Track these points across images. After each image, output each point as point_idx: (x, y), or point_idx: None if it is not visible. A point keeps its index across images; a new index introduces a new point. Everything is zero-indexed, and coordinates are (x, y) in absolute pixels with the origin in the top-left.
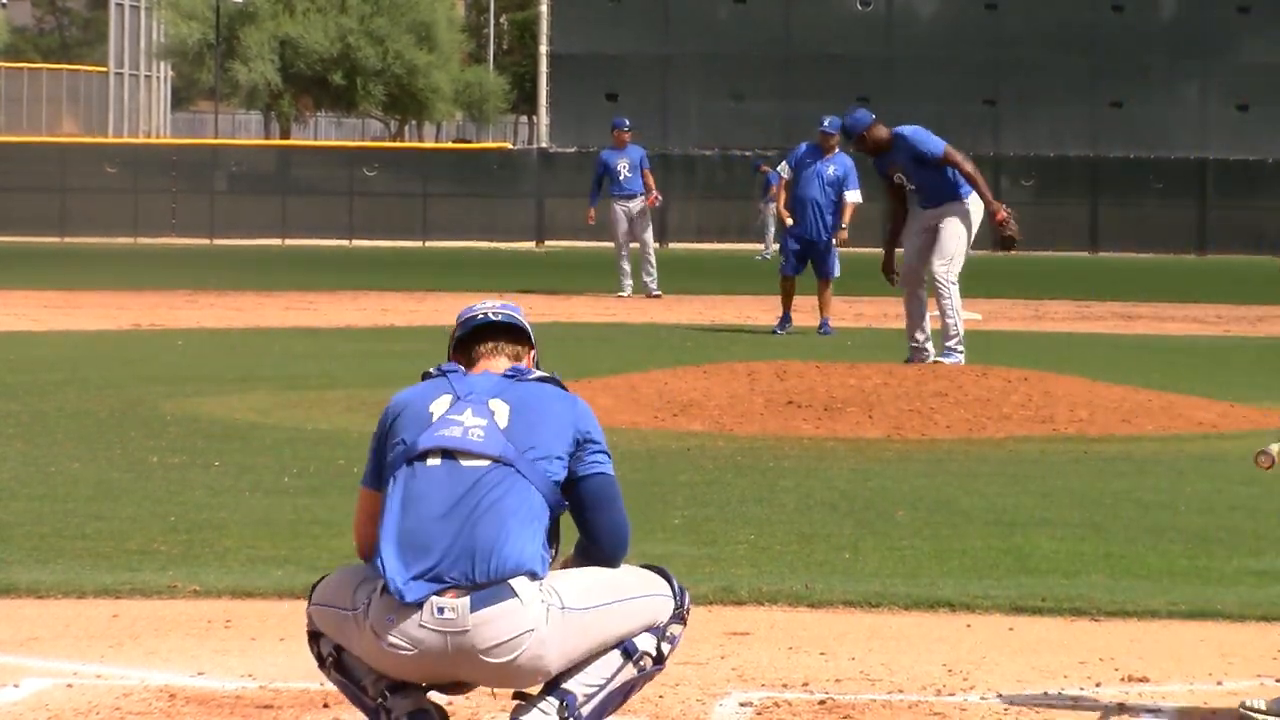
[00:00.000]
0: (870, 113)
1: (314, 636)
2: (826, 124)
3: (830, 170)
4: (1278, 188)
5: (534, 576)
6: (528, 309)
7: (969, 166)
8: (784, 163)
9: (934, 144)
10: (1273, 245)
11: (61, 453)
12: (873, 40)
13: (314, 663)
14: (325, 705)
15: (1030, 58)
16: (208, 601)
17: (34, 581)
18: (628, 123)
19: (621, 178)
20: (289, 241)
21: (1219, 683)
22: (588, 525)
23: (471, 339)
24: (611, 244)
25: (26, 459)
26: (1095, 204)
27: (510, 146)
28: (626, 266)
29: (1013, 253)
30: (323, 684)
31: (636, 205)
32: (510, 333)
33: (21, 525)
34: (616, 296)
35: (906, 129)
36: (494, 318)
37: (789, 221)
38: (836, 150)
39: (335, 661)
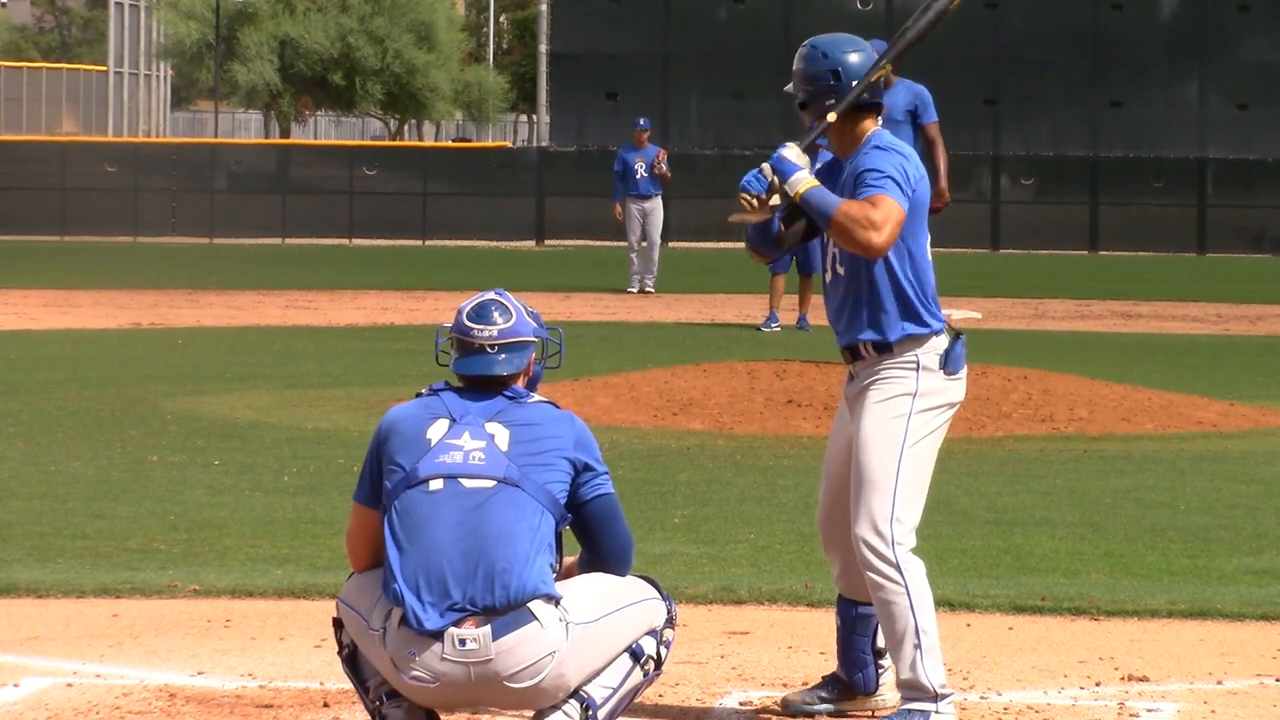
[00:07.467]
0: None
1: (338, 623)
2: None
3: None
4: (1278, 187)
5: (549, 599)
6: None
7: (942, 146)
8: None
9: (933, 110)
10: (1273, 245)
11: (62, 452)
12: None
13: (314, 662)
14: (325, 705)
15: (1030, 58)
16: (208, 601)
17: (34, 581)
18: (642, 122)
19: (638, 177)
20: (289, 241)
21: (1219, 682)
22: (595, 545)
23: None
24: (624, 241)
25: (27, 458)
26: (1095, 204)
27: (510, 146)
28: (638, 263)
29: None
30: (323, 684)
31: (650, 205)
32: (507, 380)
33: (21, 525)
34: (625, 292)
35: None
36: (492, 362)
37: None
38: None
39: (350, 655)
